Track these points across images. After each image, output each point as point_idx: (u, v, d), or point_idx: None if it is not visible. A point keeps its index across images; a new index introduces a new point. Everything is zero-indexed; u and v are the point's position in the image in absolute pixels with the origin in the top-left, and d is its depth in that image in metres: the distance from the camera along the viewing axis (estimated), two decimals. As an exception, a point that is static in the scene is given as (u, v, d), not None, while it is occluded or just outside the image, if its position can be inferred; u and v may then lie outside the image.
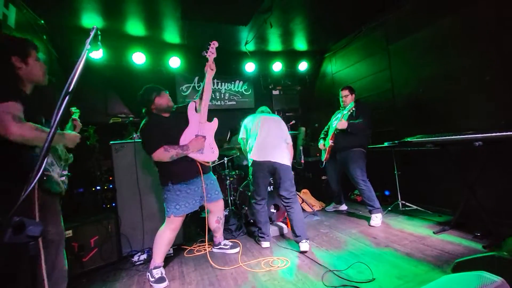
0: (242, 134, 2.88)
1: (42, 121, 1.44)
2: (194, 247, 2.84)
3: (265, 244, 2.67)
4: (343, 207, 3.75)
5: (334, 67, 4.92)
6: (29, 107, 1.33)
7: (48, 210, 1.36)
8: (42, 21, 2.96)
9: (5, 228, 0.73)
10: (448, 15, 2.88)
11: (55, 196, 1.44)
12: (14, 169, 1.27)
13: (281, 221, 3.24)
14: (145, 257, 2.61)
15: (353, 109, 3.17)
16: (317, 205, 4.00)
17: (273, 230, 3.00)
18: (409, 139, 2.58)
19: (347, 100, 3.30)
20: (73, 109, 1.97)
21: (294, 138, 3.85)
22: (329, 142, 3.31)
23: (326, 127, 3.57)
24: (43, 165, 0.81)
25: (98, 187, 3.12)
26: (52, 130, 0.84)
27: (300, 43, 4.54)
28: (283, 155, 2.64)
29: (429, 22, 3.09)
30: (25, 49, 1.40)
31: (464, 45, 2.77)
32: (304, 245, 2.45)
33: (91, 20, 3.16)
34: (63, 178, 1.51)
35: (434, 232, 2.59)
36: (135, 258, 2.60)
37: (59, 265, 1.46)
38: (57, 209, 1.48)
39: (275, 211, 3.25)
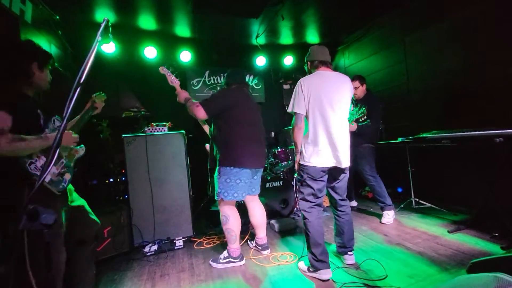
0: None
1: (40, 122, 1.43)
2: (203, 240, 2.88)
3: (326, 275, 1.89)
4: (353, 203, 3.69)
5: (347, 60, 4.79)
6: (27, 110, 1.39)
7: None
8: (58, 17, 3.02)
9: (20, 215, 0.75)
10: (470, 4, 2.73)
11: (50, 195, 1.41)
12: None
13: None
14: (156, 248, 2.66)
15: (360, 104, 3.12)
16: (326, 200, 3.94)
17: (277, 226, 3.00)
18: (424, 135, 2.49)
19: (358, 92, 3.16)
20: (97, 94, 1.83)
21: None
22: None
23: None
24: (51, 165, 0.81)
25: (111, 179, 3.20)
26: (64, 122, 0.84)
27: (312, 36, 4.44)
28: None
29: (448, 12, 2.95)
30: (46, 59, 1.51)
31: (487, 37, 2.63)
32: (351, 258, 2.12)
33: (104, 15, 3.20)
34: (61, 176, 1.48)
35: (448, 231, 2.51)
36: (146, 249, 2.66)
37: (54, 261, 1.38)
38: (55, 207, 1.40)
39: (284, 206, 3.24)
